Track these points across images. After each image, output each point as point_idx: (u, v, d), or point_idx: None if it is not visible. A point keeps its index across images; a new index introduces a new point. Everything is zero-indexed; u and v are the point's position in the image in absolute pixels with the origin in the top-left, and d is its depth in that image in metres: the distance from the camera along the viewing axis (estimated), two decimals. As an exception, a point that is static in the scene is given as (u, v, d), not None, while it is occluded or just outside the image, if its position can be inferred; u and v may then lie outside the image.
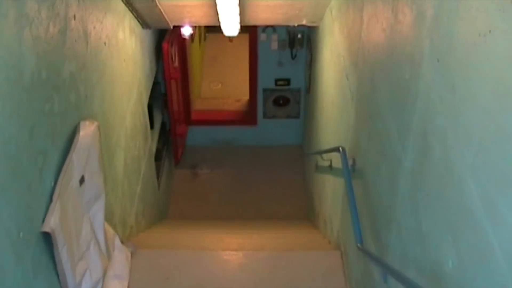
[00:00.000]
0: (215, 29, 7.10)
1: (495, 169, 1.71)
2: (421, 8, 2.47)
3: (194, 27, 9.49)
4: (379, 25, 3.37)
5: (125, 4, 5.27)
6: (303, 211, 8.56)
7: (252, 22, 6.64)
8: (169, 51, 7.51)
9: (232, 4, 5.43)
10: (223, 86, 11.84)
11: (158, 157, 7.89)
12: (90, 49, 4.03)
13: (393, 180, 2.99)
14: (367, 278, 3.76)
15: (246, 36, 9.41)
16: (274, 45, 9.23)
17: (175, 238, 5.83)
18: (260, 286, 4.50)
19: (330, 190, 5.80)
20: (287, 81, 9.81)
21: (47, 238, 3.11)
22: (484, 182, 1.78)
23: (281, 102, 10.03)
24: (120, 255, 4.49)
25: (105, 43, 4.49)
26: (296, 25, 6.89)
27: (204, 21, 6.51)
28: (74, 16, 3.59)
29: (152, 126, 7.36)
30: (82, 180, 3.65)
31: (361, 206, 3.84)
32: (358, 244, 3.41)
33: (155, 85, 7.68)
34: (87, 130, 3.69)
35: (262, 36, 9.18)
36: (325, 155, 5.72)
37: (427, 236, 2.41)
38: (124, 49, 5.36)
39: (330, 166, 5.50)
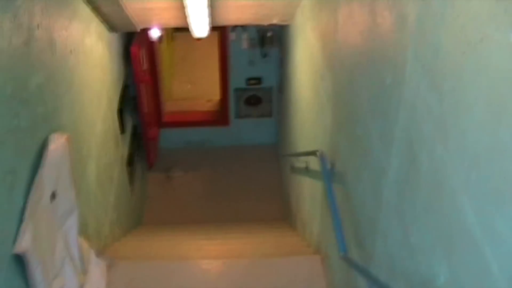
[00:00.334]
0: (183, 28, 6.95)
1: (490, 185, 1.64)
2: (401, 12, 2.39)
3: (162, 29, 9.32)
4: (356, 27, 3.28)
5: (91, 9, 5.11)
6: (280, 212, 8.49)
7: (222, 22, 6.53)
8: (138, 54, 7.35)
9: (202, 6, 5.31)
10: (194, 86, 11.69)
11: (130, 162, 7.72)
12: (57, 58, 3.87)
13: (377, 188, 2.90)
14: (351, 286, 3.68)
15: (215, 34, 9.27)
16: (245, 44, 9.13)
17: (152, 247, 5.69)
18: (240, 296, 4.41)
19: (307, 192, 5.72)
20: (259, 80, 9.73)
21: (20, 260, 2.98)
22: (479, 197, 1.71)
23: (253, 101, 9.94)
24: (96, 269, 4.36)
25: (71, 51, 4.33)
26: (267, 24, 6.79)
27: (173, 23, 6.38)
28: (38, 26, 3.43)
29: (123, 131, 7.19)
30: (53, 196, 3.51)
31: (343, 212, 3.75)
32: (341, 253, 3.32)
33: (125, 88, 7.51)
34: (56, 144, 3.55)
35: (232, 36, 9.08)
36: (301, 157, 5.63)
37: (417, 249, 2.33)
38: (92, 55, 5.20)
39: (307, 168, 5.41)
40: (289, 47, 7.28)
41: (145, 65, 8.21)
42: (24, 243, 2.96)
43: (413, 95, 2.27)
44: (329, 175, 4.01)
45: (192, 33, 6.70)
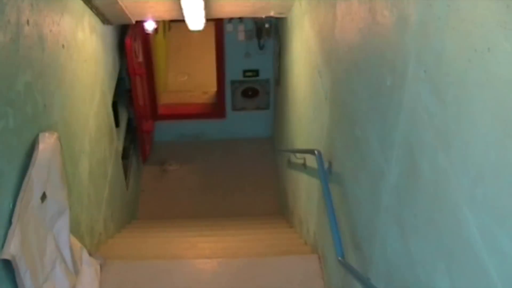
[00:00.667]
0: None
1: (496, 201, 1.55)
2: (403, 12, 2.29)
3: (158, 20, 9.19)
4: (354, 24, 3.18)
5: (84, 2, 4.99)
6: (275, 206, 8.41)
7: (218, 15, 6.43)
8: (132, 46, 7.24)
9: (197, -2, 5.21)
10: (189, 77, 11.57)
11: (125, 155, 7.64)
12: (47, 54, 3.76)
13: (375, 191, 2.82)
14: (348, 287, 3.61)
15: (211, 25, 9.14)
16: (241, 36, 9.00)
17: (145, 245, 5.60)
18: (235, 298, 4.34)
19: (304, 189, 5.63)
20: (256, 72, 9.61)
21: (8, 265, 2.89)
22: (484, 213, 1.62)
23: (250, 93, 9.83)
24: (89, 269, 4.27)
25: (63, 46, 4.22)
26: (264, 16, 6.68)
27: (168, 15, 6.27)
28: (28, 22, 3.32)
29: (117, 125, 7.11)
30: (43, 197, 3.42)
31: (340, 212, 3.67)
32: (339, 258, 3.24)
33: (120, 81, 7.41)
34: (46, 143, 3.45)
35: (228, 27, 8.95)
36: (298, 153, 5.54)
37: (417, 259, 2.24)
38: (85, 49, 5.09)
39: (304, 165, 5.32)
40: (286, 39, 7.17)
41: (140, 58, 8.10)
42: (12, 248, 2.88)
43: (414, 100, 2.17)
44: (326, 175, 3.92)
45: (187, 25, 6.59)
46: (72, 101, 4.48)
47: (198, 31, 7.08)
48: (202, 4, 5.43)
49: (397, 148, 2.43)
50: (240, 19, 8.75)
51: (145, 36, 8.46)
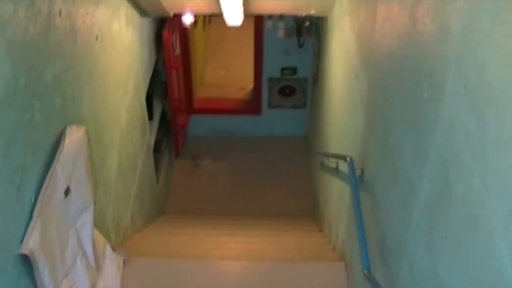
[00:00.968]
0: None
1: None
2: (444, 22, 2.16)
3: (196, 15, 9.13)
4: (394, 29, 3.05)
5: (121, -6, 4.96)
6: (307, 207, 8.27)
7: (257, 12, 6.33)
8: (170, 39, 7.18)
9: (235, -6, 5.12)
10: (227, 72, 11.48)
11: (157, 149, 7.60)
12: (79, 46, 3.71)
13: (406, 207, 2.69)
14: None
15: (251, 20, 9.05)
16: (281, 33, 8.85)
17: (171, 242, 5.54)
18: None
19: (335, 194, 5.51)
20: (294, 70, 9.46)
21: (27, 260, 2.85)
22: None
23: (287, 91, 9.69)
24: (111, 264, 4.23)
25: (97, 38, 4.17)
26: (303, 15, 6.56)
27: (206, 10, 6.20)
28: (60, 13, 3.27)
29: (151, 117, 7.07)
30: (67, 192, 3.38)
31: (369, 222, 3.55)
32: (365, 271, 3.12)
33: (155, 73, 7.37)
34: (73, 137, 3.40)
35: (268, 24, 8.81)
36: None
37: (445, 284, 2.12)
38: (120, 41, 5.04)
39: (337, 169, 5.19)
40: (325, 39, 7.03)
41: (177, 51, 8.04)
42: (31, 243, 2.84)
43: (452, 116, 2.05)
44: (357, 183, 3.80)
45: (225, 21, 6.51)
46: (103, 93, 4.44)
47: (235, 28, 7.00)
48: (240, 0, 5.34)
49: (431, 164, 2.30)
50: (281, 16, 8.62)
51: (183, 29, 8.39)
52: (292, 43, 9.05)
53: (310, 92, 9.56)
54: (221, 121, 10.16)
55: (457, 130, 1.98)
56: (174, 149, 9.07)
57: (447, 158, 2.10)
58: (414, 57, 2.60)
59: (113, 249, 4.34)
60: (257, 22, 9.01)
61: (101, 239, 4.14)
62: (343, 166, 4.80)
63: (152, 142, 7.17)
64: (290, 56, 9.26)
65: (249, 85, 10.30)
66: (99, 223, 4.15)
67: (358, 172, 3.89)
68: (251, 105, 10.17)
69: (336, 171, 5.27)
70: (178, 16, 7.23)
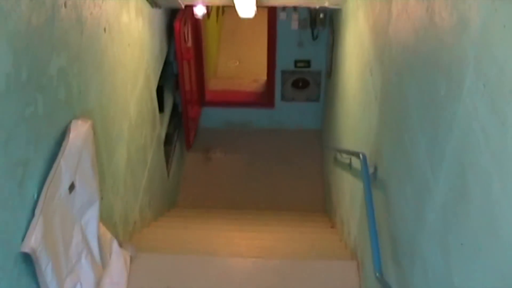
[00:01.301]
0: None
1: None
2: (463, 15, 2.04)
3: (208, 5, 9.01)
4: (410, 23, 2.93)
5: (131, -16, 4.86)
6: (320, 201, 8.16)
7: (270, 3, 6.23)
8: (182, 30, 7.08)
9: (247, -15, 5.00)
10: (240, 64, 11.38)
11: (168, 141, 7.52)
12: (86, 38, 3.62)
13: (420, 208, 2.59)
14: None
15: (265, 11, 8.93)
16: (295, 25, 8.69)
17: (180, 237, 5.46)
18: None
19: (348, 190, 5.40)
20: (308, 63, 9.32)
21: (29, 257, 2.77)
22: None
23: (300, 84, 9.56)
24: (118, 260, 4.16)
25: (105, 29, 4.08)
26: (317, 7, 6.43)
27: (218, 1, 6.09)
28: (65, 4, 3.18)
29: (162, 110, 6.98)
30: (72, 187, 3.30)
31: (381, 221, 3.44)
32: (377, 274, 3.01)
33: (167, 65, 7.28)
34: (78, 131, 3.32)
35: (282, 15, 8.66)
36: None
37: (462, 293, 2.02)
38: (129, 32, 4.95)
39: (349, 165, 5.09)
40: (340, 31, 6.90)
41: (189, 42, 7.94)
42: (33, 241, 2.76)
43: (470, 116, 1.93)
44: (370, 180, 3.69)
45: (238, 12, 6.40)
46: (111, 86, 4.35)
47: (249, 19, 6.89)
48: (253, -9, 5.24)
49: (447, 165, 2.20)
50: (294, 7, 8.48)
51: (195, 20, 8.28)
52: (306, 35, 8.92)
53: (324, 85, 9.42)
54: (233, 114, 10.06)
55: (476, 131, 1.88)
56: (185, 141, 8.98)
57: (464, 159, 1.99)
58: (431, 52, 2.49)
59: (120, 245, 4.26)
60: (270, 13, 8.88)
61: (107, 234, 4.07)
62: (356, 162, 4.69)
63: (163, 134, 7.09)
64: (304, 48, 9.11)
65: (263, 77, 10.18)
66: (106, 218, 4.09)
67: (371, 169, 3.79)
68: (264, 98, 10.06)
69: (349, 166, 5.17)
70: (190, 7, 7.14)
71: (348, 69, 5.89)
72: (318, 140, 9.52)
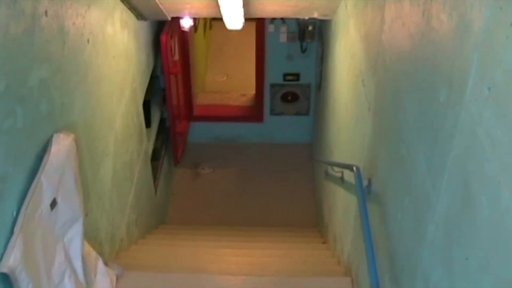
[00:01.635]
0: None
1: None
2: (464, 17, 1.93)
3: (195, 18, 8.92)
4: (405, 29, 2.83)
5: (115, -5, 4.74)
6: (310, 217, 8.04)
7: (258, 14, 6.12)
8: (168, 43, 6.97)
9: (235, -4, 4.90)
10: (228, 78, 11.28)
11: (156, 157, 7.38)
12: (69, 49, 3.50)
13: (420, 221, 2.46)
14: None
15: (253, 25, 8.85)
16: (283, 38, 8.63)
17: (168, 254, 5.30)
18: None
19: (340, 204, 5.27)
20: (297, 76, 9.25)
21: (8, 278, 2.63)
22: None
23: (289, 98, 9.47)
24: (103, 280, 4.01)
25: (88, 41, 3.96)
26: (306, 18, 6.34)
27: (205, 13, 5.98)
28: (46, 13, 3.06)
29: (149, 125, 6.85)
30: (54, 204, 3.16)
31: (377, 236, 3.32)
32: (374, 292, 2.89)
33: (154, 79, 7.16)
34: (60, 145, 3.19)
35: (270, 28, 8.60)
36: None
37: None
38: (114, 44, 4.83)
39: (341, 178, 4.97)
40: (330, 43, 6.81)
41: (176, 56, 7.83)
42: (11, 261, 2.63)
43: (473, 122, 1.82)
44: (365, 194, 3.57)
45: (225, 24, 6.30)
46: (96, 99, 4.22)
47: (237, 31, 6.80)
48: (240, 1, 5.12)
49: (449, 175, 2.08)
50: (283, 20, 8.41)
51: (182, 33, 8.18)
52: (295, 48, 8.85)
53: (314, 99, 9.34)
54: (222, 128, 9.95)
55: (481, 137, 1.76)
56: (173, 157, 8.85)
57: (469, 168, 1.88)
58: (429, 58, 2.38)
59: (106, 264, 4.11)
60: (258, 26, 8.81)
61: (92, 253, 3.92)
62: (349, 176, 4.58)
63: (150, 150, 6.95)
64: (293, 62, 9.05)
65: (251, 91, 10.09)
66: (91, 236, 3.95)
67: (365, 183, 3.67)
68: (253, 112, 9.97)
69: (341, 180, 5.05)
70: (176, 20, 7.04)
71: (339, 81, 5.79)
72: (309, 154, 9.42)
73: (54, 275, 3.22)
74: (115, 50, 4.87)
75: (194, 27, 9.17)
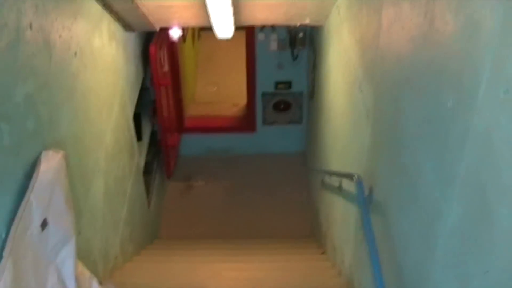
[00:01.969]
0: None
1: None
2: (473, 15, 1.83)
3: (186, 28, 8.80)
4: (405, 32, 2.72)
5: (102, 6, 4.60)
6: (307, 227, 7.90)
7: (248, 22, 6.00)
8: (157, 55, 6.84)
9: (224, 4, 4.77)
10: (219, 88, 11.17)
11: (148, 170, 7.23)
12: (55, 62, 3.37)
13: (429, 232, 2.35)
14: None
15: (243, 34, 8.74)
16: (274, 46, 8.51)
17: (164, 272, 5.14)
18: None
19: (339, 214, 5.15)
20: (288, 84, 9.14)
21: (-3, 304, 2.50)
22: None
23: (282, 107, 9.36)
24: (98, 301, 3.87)
25: (75, 54, 3.83)
26: (298, 24, 6.23)
27: (194, 22, 5.86)
28: (30, 25, 2.93)
29: (140, 138, 6.71)
30: (44, 224, 3.02)
31: (381, 248, 3.20)
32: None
33: (143, 91, 7.03)
34: (49, 163, 3.06)
35: (260, 36, 8.48)
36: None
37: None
38: (102, 57, 4.70)
39: (340, 187, 4.84)
40: (322, 50, 6.71)
41: (165, 67, 7.70)
42: (1, 286, 2.49)
43: (488, 127, 1.72)
44: (366, 203, 3.45)
45: (215, 33, 6.18)
46: (85, 114, 4.09)
47: (227, 40, 6.69)
48: (230, 10, 5.01)
49: (461, 184, 1.97)
50: (273, 27, 8.28)
51: (171, 44, 8.06)
52: (285, 56, 8.74)
53: (306, 107, 9.24)
54: (214, 140, 9.83)
55: (497, 144, 1.66)
56: (165, 170, 8.71)
57: (484, 177, 1.77)
58: (433, 61, 2.28)
59: (101, 283, 3.97)
60: (248, 34, 8.70)
61: (86, 273, 3.77)
62: (347, 184, 4.46)
63: (142, 164, 6.81)
64: (284, 70, 8.94)
65: (242, 101, 9.98)
66: (84, 255, 3.81)
67: (366, 192, 3.55)
68: (245, 122, 9.85)
69: (339, 189, 4.92)
70: (165, 30, 6.91)
71: (333, 88, 5.68)
72: (303, 163, 9.30)
73: (46, 299, 3.08)
74: (103, 62, 4.74)
75: (183, 38, 9.04)
